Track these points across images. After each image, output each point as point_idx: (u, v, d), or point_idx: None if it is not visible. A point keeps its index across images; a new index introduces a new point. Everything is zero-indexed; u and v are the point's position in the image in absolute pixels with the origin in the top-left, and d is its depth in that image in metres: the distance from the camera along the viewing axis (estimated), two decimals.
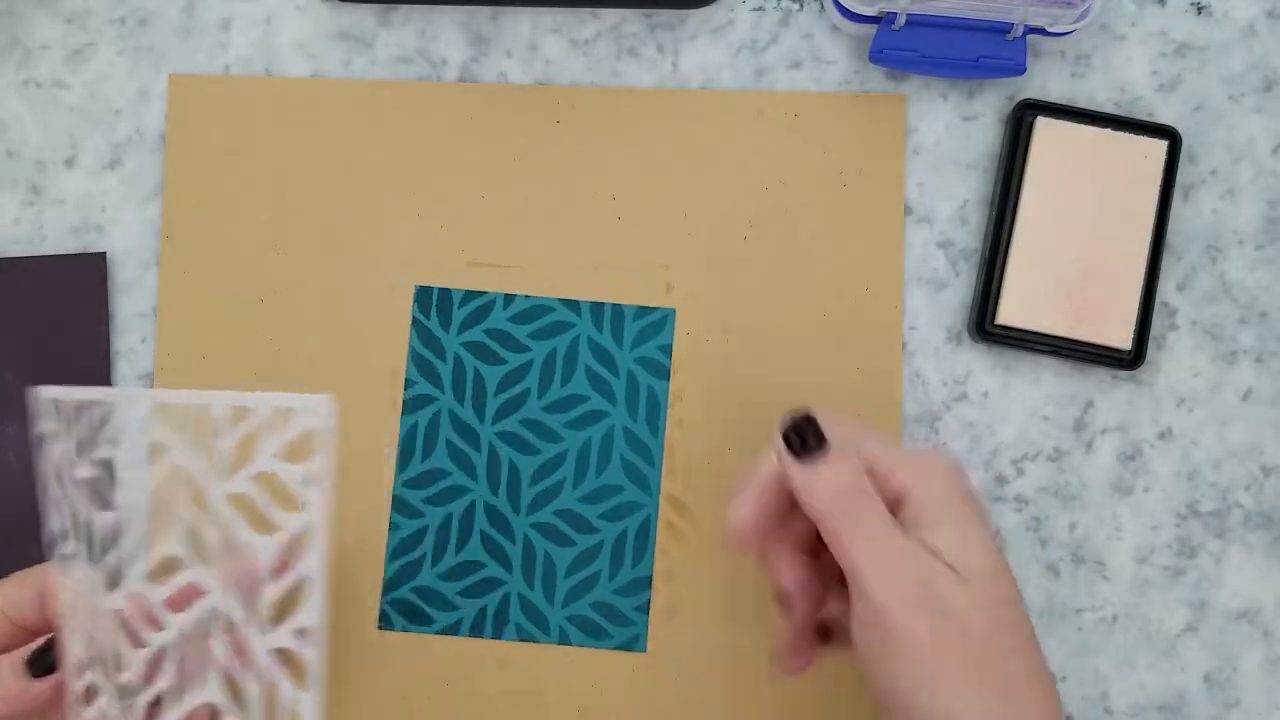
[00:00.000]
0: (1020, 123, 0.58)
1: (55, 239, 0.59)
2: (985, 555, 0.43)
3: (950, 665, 0.42)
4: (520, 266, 0.59)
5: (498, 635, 0.58)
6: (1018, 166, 0.58)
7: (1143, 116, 0.59)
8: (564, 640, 0.58)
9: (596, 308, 0.59)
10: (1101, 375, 0.59)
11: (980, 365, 0.59)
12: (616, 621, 0.58)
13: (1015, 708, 0.42)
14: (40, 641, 0.47)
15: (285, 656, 0.42)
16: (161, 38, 0.59)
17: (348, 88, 0.59)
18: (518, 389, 0.58)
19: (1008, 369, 0.59)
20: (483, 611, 0.58)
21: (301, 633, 0.42)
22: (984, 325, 0.58)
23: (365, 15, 0.60)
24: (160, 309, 0.59)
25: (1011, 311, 0.57)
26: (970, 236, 0.60)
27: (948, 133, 0.60)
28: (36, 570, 0.48)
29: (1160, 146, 0.58)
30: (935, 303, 0.59)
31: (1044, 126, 0.58)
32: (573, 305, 0.59)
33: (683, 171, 0.59)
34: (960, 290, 0.59)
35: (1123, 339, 0.58)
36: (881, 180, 0.59)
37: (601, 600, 0.58)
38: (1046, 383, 0.59)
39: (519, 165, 0.59)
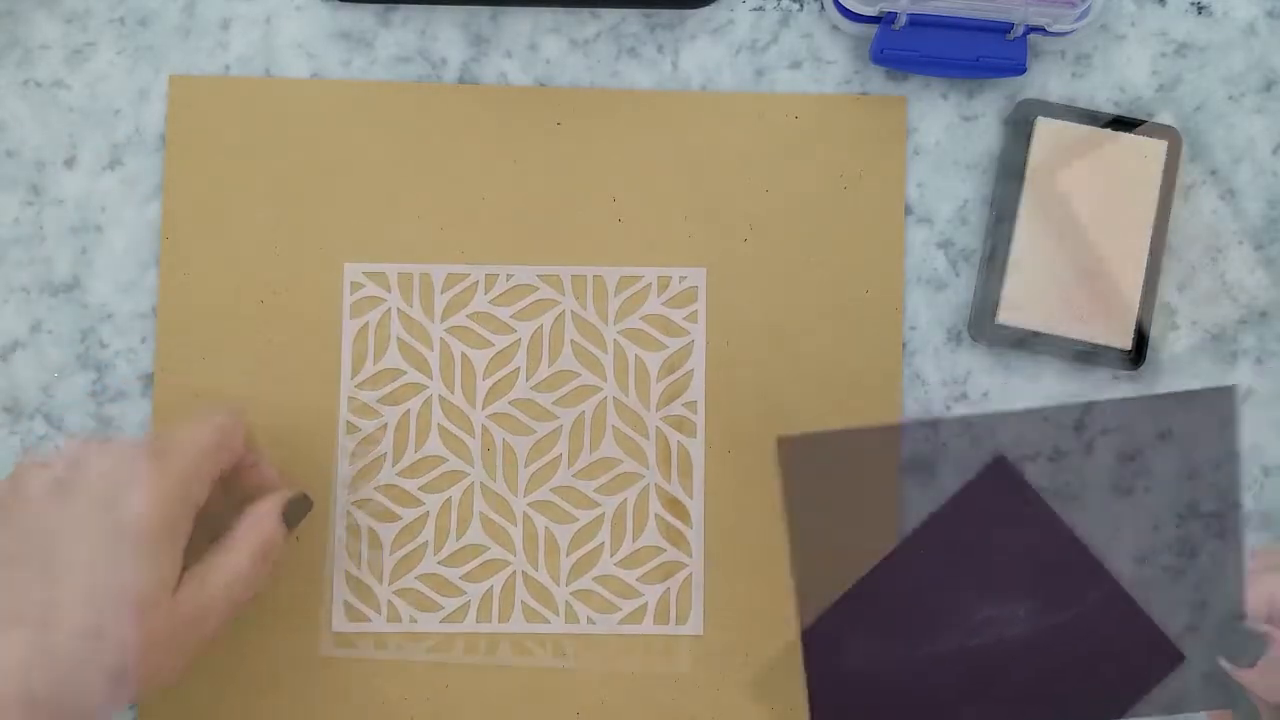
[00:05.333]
0: (1020, 123, 0.58)
1: (55, 239, 0.59)
2: None
3: None
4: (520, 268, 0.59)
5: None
6: (1017, 166, 0.58)
7: (1142, 116, 0.59)
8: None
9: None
10: (1101, 375, 0.59)
11: (980, 365, 0.59)
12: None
13: None
14: (295, 493, 0.53)
15: (673, 421, 0.58)
16: (161, 38, 0.59)
17: (348, 88, 0.59)
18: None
19: (1008, 369, 0.59)
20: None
21: (688, 404, 0.58)
22: (984, 325, 0.58)
23: (365, 15, 0.60)
24: (160, 309, 0.59)
25: (1012, 311, 0.57)
26: (970, 236, 0.60)
27: (948, 133, 0.60)
28: (226, 406, 0.53)
29: (1160, 146, 0.58)
30: (935, 303, 0.59)
31: (1044, 126, 0.58)
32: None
33: (683, 173, 0.59)
34: (960, 290, 0.59)
35: (1123, 339, 0.58)
36: (882, 182, 0.59)
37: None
38: (1046, 383, 0.59)
39: (519, 167, 0.59)
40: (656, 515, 0.58)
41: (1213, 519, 0.59)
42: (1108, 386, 0.59)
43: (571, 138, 0.59)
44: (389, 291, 0.59)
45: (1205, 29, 0.60)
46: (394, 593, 0.58)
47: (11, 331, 0.59)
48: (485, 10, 0.60)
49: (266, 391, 0.58)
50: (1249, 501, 0.59)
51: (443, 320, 0.59)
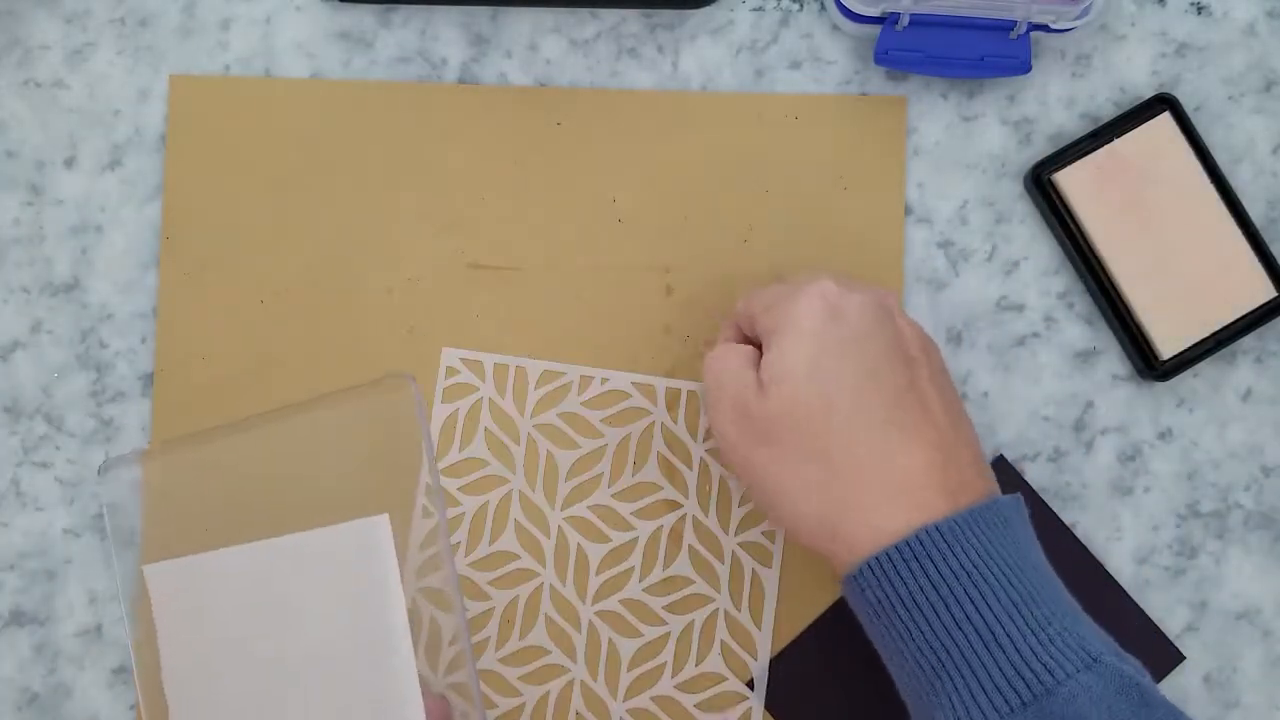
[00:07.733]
0: (1042, 187, 0.58)
1: (55, 239, 0.59)
2: (784, 365, 0.49)
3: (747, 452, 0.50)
4: (520, 268, 0.59)
5: None
6: (1072, 224, 0.57)
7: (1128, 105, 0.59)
8: None
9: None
10: (1101, 375, 0.59)
11: (980, 365, 0.59)
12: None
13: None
14: None
15: (750, 548, 0.58)
16: (161, 38, 0.59)
17: (348, 88, 0.59)
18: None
19: (1008, 369, 0.59)
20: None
21: (768, 534, 0.58)
22: (1155, 366, 0.57)
23: (365, 15, 0.60)
24: (160, 309, 0.59)
25: (1168, 341, 0.57)
26: (970, 236, 0.60)
27: (948, 133, 0.60)
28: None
29: (1165, 119, 0.58)
30: (935, 303, 0.59)
31: (1064, 178, 0.57)
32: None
33: (683, 173, 0.59)
34: (960, 290, 0.59)
35: (1264, 289, 0.57)
36: (882, 183, 0.59)
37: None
38: (1046, 383, 0.59)
39: (519, 167, 0.59)
40: (722, 641, 0.57)
41: (1213, 519, 0.59)
42: (1107, 387, 0.59)
43: (571, 138, 0.59)
44: (483, 381, 0.58)
45: (1205, 29, 0.60)
46: (448, 686, 0.57)
47: (11, 331, 0.59)
48: (485, 10, 0.60)
49: (262, 396, 0.58)
50: (1249, 501, 0.59)
51: (533, 416, 0.58)
